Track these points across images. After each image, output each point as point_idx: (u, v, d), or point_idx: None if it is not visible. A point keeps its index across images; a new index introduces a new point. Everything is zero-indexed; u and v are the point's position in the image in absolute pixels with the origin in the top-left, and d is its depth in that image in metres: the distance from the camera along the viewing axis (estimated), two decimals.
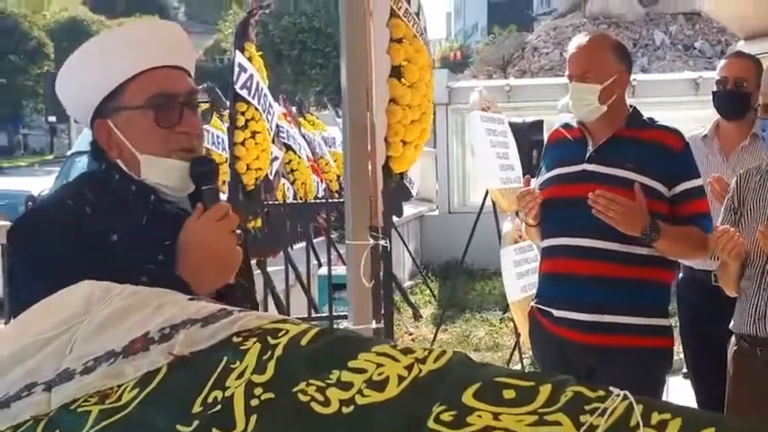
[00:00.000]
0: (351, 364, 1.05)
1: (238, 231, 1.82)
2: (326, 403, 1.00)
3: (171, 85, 1.85)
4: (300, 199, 9.51)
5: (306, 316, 6.85)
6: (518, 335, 6.95)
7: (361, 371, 1.03)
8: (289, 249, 7.82)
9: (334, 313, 6.89)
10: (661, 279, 3.28)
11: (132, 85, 1.83)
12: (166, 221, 1.82)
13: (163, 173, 1.84)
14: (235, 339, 1.15)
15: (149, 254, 1.77)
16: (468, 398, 0.95)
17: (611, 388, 0.90)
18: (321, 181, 11.10)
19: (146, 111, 1.83)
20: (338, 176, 11.26)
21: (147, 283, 1.46)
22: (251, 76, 6.71)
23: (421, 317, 9.61)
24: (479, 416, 0.92)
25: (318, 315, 7.25)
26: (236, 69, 6.66)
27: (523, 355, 7.08)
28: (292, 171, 9.76)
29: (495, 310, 9.51)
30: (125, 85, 1.83)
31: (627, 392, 0.88)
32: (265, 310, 6.53)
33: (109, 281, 1.39)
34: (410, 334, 8.84)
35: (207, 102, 1.85)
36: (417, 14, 3.97)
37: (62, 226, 1.77)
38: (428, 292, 10.98)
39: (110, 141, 1.86)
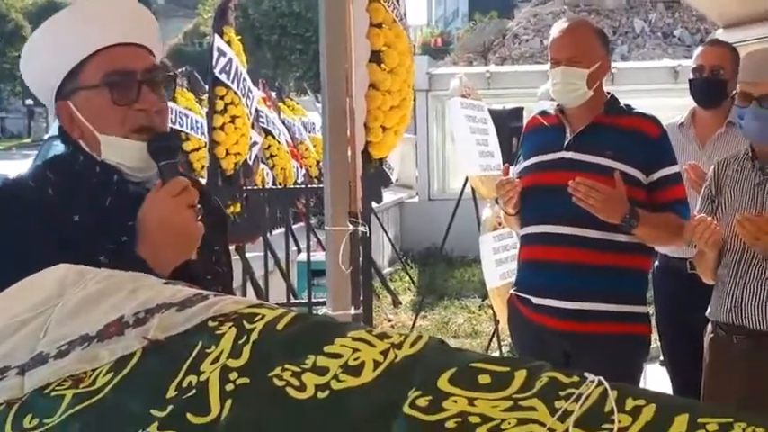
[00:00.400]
0: (326, 348, 1.04)
1: (198, 206, 1.78)
2: (302, 388, 1.00)
3: (127, 62, 1.81)
4: (280, 184, 9.50)
5: (285, 302, 6.84)
6: (497, 322, 6.97)
7: (336, 356, 1.03)
8: (268, 235, 7.80)
9: (314, 299, 6.88)
10: (639, 266, 3.30)
11: (89, 65, 1.80)
12: (131, 202, 1.78)
13: (122, 153, 1.81)
14: (210, 324, 1.14)
15: (112, 235, 1.76)
16: (443, 383, 0.94)
17: (585, 374, 0.90)
18: (301, 167, 11.07)
19: (102, 89, 1.79)
20: (318, 162, 11.24)
21: (106, 263, 1.45)
22: (230, 61, 6.68)
23: (400, 303, 9.62)
24: (455, 401, 0.92)
25: (297, 301, 7.24)
26: (215, 53, 6.63)
27: (502, 342, 7.10)
28: (272, 156, 9.74)
29: (474, 297, 9.53)
30: (82, 64, 1.80)
31: (601, 378, 0.88)
32: (244, 295, 6.51)
33: (68, 262, 1.38)
34: (389, 320, 8.85)
35: (169, 77, 1.82)
36: (397, 0, 3.97)
37: (21, 207, 1.75)
38: (407, 278, 10.99)
39: (72, 123, 1.84)
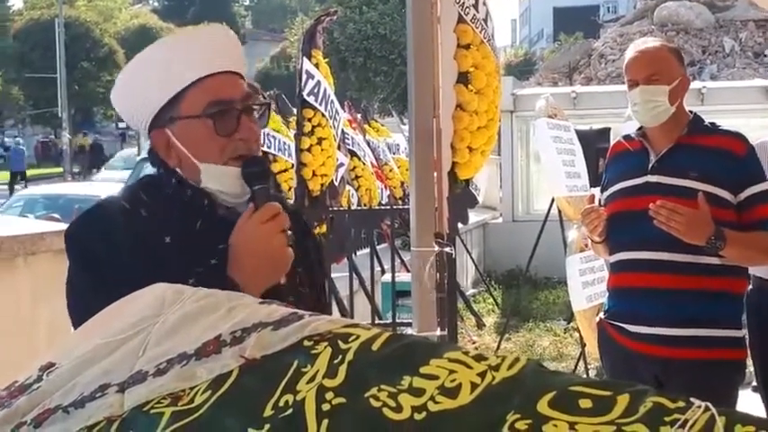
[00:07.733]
0: (422, 370, 1.03)
1: (289, 232, 1.81)
2: (398, 409, 0.99)
3: (227, 91, 1.86)
4: (365, 205, 9.53)
5: (369, 322, 6.85)
6: (583, 345, 6.88)
7: (433, 377, 1.02)
8: (353, 256, 7.83)
9: (398, 320, 6.88)
10: (733, 289, 3.21)
11: (189, 94, 1.84)
12: (221, 226, 1.82)
13: (221, 180, 1.85)
14: (306, 343, 1.14)
15: (202, 257, 1.79)
16: (543, 406, 0.93)
17: (691, 399, 0.88)
18: (385, 188, 11.10)
19: (204, 120, 1.83)
20: (402, 183, 11.27)
21: (195, 285, 1.47)
22: (318, 83, 6.74)
23: (484, 325, 9.56)
24: (555, 425, 0.90)
25: (382, 322, 7.25)
26: (304, 76, 6.69)
27: (589, 366, 7.00)
28: (357, 177, 9.79)
29: (559, 320, 9.43)
30: (181, 94, 1.84)
31: (709, 404, 0.86)
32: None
33: (159, 282, 1.40)
34: (473, 342, 8.80)
35: (264, 104, 1.86)
36: (485, 21, 3.96)
37: (114, 228, 1.79)
38: (491, 300, 10.92)
39: (168, 150, 1.88)
